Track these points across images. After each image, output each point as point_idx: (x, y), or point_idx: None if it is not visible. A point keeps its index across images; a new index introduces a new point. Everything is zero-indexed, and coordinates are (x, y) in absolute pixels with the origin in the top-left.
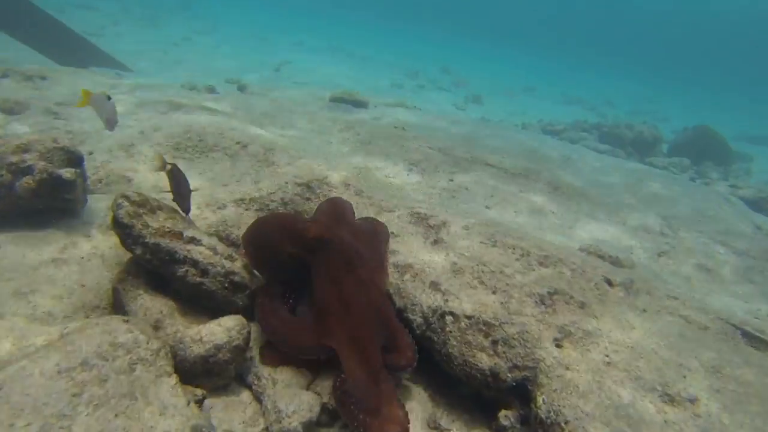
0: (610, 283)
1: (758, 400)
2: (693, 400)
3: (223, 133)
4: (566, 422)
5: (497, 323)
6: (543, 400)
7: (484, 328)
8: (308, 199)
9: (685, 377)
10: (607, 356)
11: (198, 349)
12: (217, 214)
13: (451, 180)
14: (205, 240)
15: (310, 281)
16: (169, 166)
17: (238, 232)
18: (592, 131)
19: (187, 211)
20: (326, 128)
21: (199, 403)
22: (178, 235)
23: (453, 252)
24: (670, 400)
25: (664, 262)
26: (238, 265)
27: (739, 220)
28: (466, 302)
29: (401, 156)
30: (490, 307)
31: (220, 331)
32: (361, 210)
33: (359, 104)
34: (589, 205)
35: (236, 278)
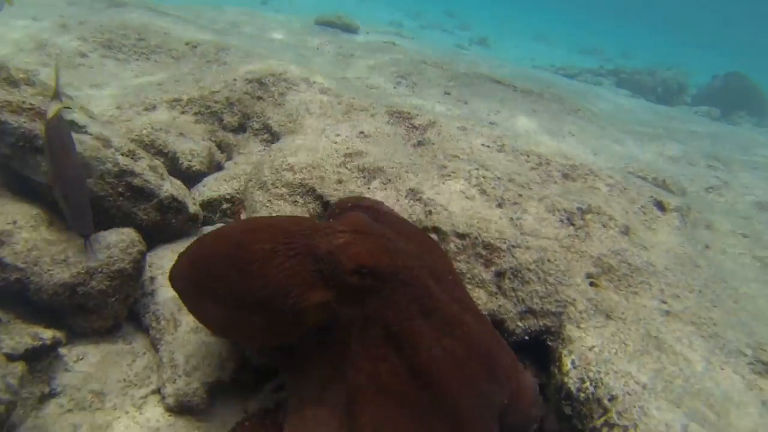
0: (661, 206)
1: None
2: None
3: (170, 32)
4: (612, 398)
5: (504, 247)
6: (572, 363)
7: (484, 252)
8: (260, 98)
9: None
10: (665, 302)
11: (61, 274)
12: (142, 117)
13: (447, 93)
14: (95, 128)
15: (326, 356)
16: (52, 112)
17: (168, 139)
18: (609, 77)
19: (80, 216)
20: (303, 41)
21: (39, 351)
22: (43, 115)
23: (443, 154)
24: (766, 369)
25: (714, 198)
26: (142, 166)
27: None
28: (458, 216)
29: (388, 68)
30: (494, 224)
31: (98, 249)
32: (326, 110)
33: (349, 29)
34: (616, 131)
35: (136, 181)
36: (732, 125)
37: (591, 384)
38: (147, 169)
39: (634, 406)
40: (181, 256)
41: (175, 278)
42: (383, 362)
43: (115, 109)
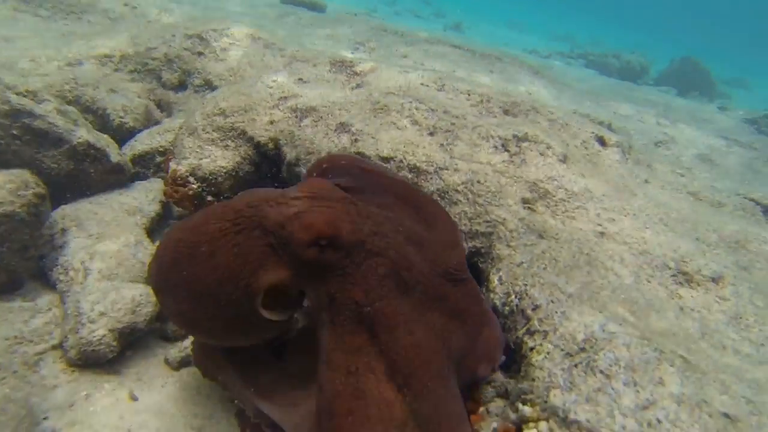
0: (602, 141)
1: None
2: (717, 279)
3: None
4: (536, 307)
5: (432, 170)
6: (499, 279)
7: (410, 176)
8: (200, 53)
9: (704, 253)
10: (600, 225)
11: None
12: (65, 71)
13: (405, 57)
14: None
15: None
16: None
17: (96, 95)
18: (579, 59)
19: None
20: (263, 13)
21: None
22: None
23: (378, 92)
24: (687, 280)
25: (662, 152)
26: (46, 108)
27: (737, 124)
28: (385, 143)
29: (347, 37)
30: (422, 149)
31: None
32: (269, 62)
33: (315, 7)
34: (574, 92)
35: (37, 123)
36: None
37: (516, 296)
38: (54, 113)
39: (556, 312)
40: (160, 249)
41: (148, 274)
42: (358, 355)
43: (28, 62)
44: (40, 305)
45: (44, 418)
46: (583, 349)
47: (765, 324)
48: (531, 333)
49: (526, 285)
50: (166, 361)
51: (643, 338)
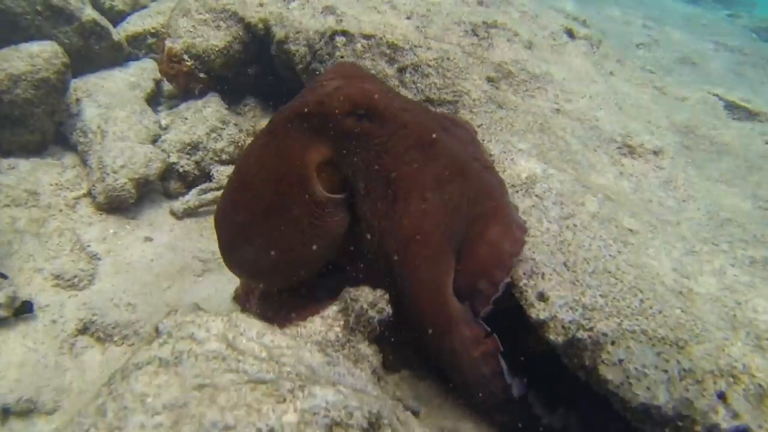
0: (571, 34)
1: (732, 158)
2: (658, 152)
3: None
4: (490, 156)
5: (407, 47)
6: None
7: (388, 51)
8: None
9: (652, 133)
10: (557, 104)
11: None
12: None
13: None
14: None
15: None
16: None
17: None
18: None
19: None
20: None
21: None
22: None
23: None
24: (630, 152)
25: (642, 54)
26: None
27: (737, 31)
28: (366, 23)
29: None
30: (399, 29)
31: (20, 57)
32: None
33: None
34: None
35: (55, 1)
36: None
37: None
38: None
39: (506, 159)
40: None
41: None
42: (384, 220)
43: None
44: (67, 163)
45: (88, 245)
46: (524, 183)
47: (691, 187)
48: None
49: (483, 140)
50: (172, 212)
51: (577, 180)
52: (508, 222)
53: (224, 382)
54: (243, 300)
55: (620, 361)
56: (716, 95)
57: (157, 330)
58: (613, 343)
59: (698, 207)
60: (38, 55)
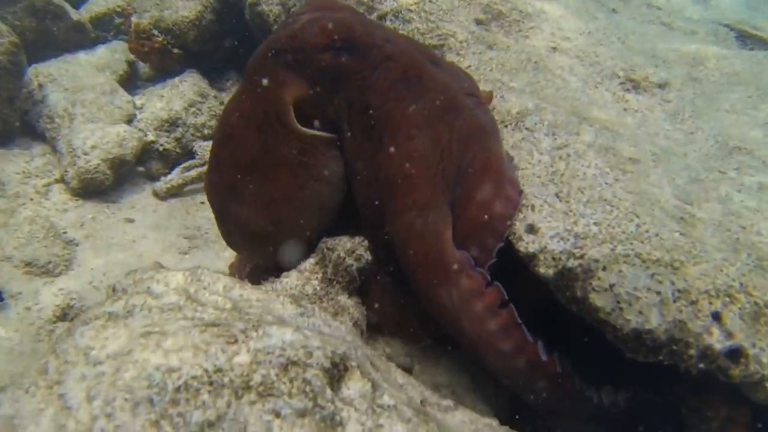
0: None
1: (744, 87)
2: (663, 85)
3: None
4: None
5: None
6: None
7: (366, 0)
8: None
9: (657, 66)
10: (554, 42)
11: None
12: None
13: None
14: None
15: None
16: None
17: None
18: None
19: None
20: None
21: None
22: None
23: None
24: (634, 86)
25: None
26: None
27: None
28: None
29: None
30: None
31: None
32: None
33: None
34: None
35: None
36: None
37: None
38: None
39: (498, 96)
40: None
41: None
42: (370, 164)
43: None
44: (35, 152)
45: (63, 232)
46: (515, 118)
47: (699, 119)
48: None
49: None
50: (155, 193)
51: (572, 113)
52: (500, 179)
53: (174, 329)
54: (238, 269)
55: (611, 286)
56: (727, 25)
57: (113, 289)
58: (604, 268)
59: (706, 137)
60: None
